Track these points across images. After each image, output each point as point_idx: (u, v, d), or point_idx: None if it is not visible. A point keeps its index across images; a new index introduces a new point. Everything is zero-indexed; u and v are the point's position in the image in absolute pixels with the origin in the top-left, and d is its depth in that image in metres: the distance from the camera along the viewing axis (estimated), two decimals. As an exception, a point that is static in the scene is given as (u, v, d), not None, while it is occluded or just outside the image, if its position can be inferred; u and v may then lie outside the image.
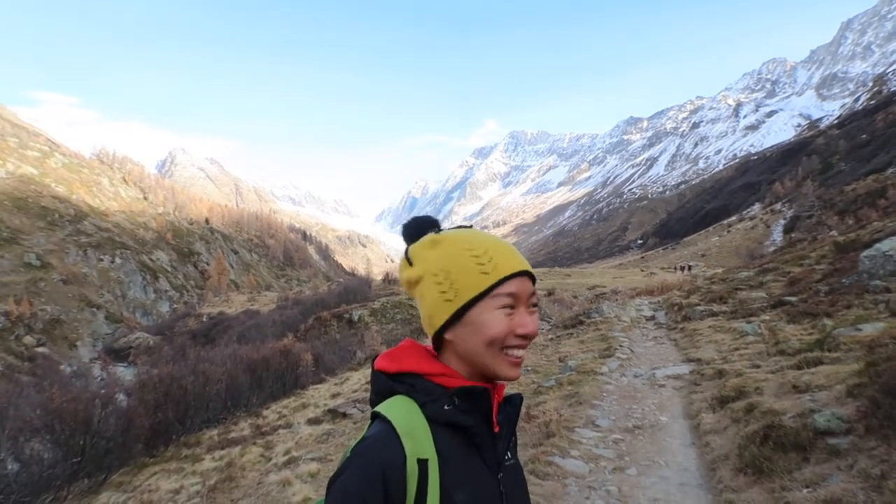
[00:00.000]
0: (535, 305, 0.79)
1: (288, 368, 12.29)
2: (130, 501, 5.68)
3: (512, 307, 0.75)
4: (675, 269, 36.12)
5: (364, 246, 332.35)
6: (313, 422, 7.62)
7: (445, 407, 0.74)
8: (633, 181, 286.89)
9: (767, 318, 7.97)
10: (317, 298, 33.06)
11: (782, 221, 60.32)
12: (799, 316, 7.27)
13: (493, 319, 0.74)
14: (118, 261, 56.48)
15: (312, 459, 5.44)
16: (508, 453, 0.83)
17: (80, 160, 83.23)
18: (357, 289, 32.29)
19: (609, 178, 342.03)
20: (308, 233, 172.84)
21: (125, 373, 22.75)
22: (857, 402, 3.26)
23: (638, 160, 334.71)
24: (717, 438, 3.92)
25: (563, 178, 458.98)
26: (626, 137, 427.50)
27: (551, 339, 10.59)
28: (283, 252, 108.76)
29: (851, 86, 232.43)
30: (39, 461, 6.42)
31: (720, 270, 23.91)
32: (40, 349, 36.55)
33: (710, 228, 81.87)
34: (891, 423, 2.81)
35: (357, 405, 7.66)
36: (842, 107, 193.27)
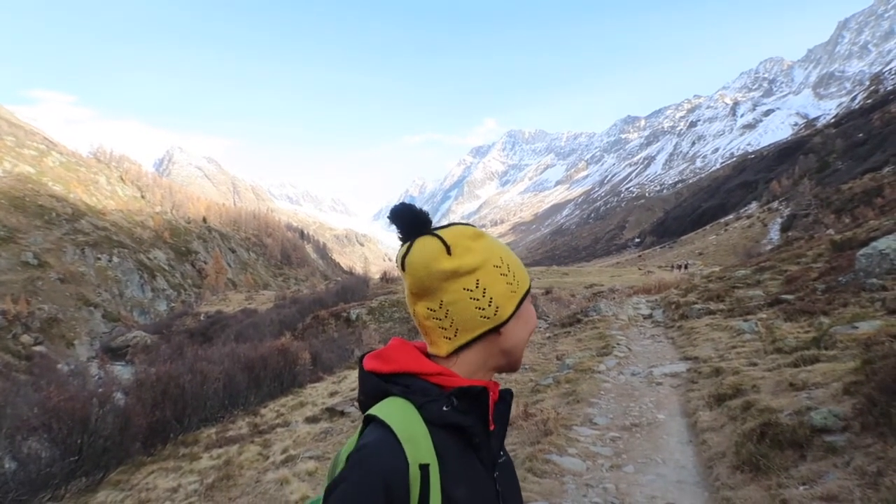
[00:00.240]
0: None
1: (286, 367, 12.25)
2: (128, 500, 5.67)
3: None
4: (673, 267, 36.18)
5: (362, 245, 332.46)
6: (311, 420, 7.63)
7: (444, 408, 0.72)
8: (631, 180, 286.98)
9: (764, 316, 8.00)
10: (314, 297, 32.95)
11: (779, 220, 60.54)
12: (796, 314, 7.30)
13: (531, 309, 0.81)
14: (115, 259, 56.28)
15: (310, 458, 5.45)
16: (502, 451, 0.83)
17: (78, 159, 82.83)
18: (355, 287, 32.24)
19: (606, 176, 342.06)
20: (306, 231, 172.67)
21: (122, 372, 22.65)
22: (854, 399, 3.27)
23: (635, 159, 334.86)
24: (714, 436, 3.94)
25: (561, 176, 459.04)
26: (623, 136, 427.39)
27: (549, 337, 10.60)
28: (280, 251, 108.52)
29: (848, 85, 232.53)
30: (37, 460, 6.41)
31: (717, 269, 23.98)
32: (37, 348, 36.41)
33: (708, 227, 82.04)
34: (887, 421, 2.83)
35: (355, 404, 7.65)
36: (839, 106, 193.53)
